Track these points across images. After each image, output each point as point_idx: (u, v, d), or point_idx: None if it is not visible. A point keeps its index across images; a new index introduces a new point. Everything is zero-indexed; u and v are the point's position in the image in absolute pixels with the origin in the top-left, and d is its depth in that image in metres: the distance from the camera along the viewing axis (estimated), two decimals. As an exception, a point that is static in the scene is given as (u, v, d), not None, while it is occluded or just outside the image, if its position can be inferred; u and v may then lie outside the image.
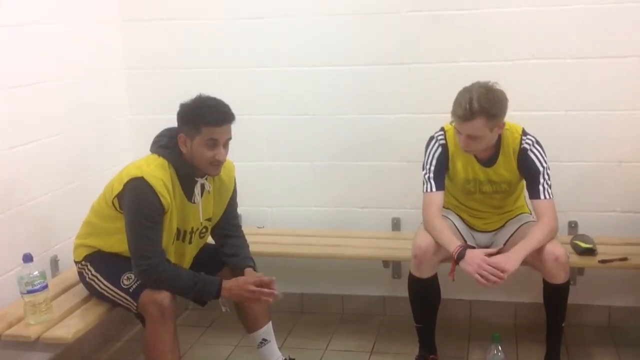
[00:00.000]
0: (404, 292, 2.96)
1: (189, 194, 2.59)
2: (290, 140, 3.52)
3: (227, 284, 2.55)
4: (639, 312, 3.21)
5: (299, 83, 3.44)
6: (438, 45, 3.26)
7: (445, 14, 3.23)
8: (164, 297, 2.46)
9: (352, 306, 3.62)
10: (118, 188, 2.50)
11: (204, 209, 2.65)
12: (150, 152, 2.59)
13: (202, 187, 2.62)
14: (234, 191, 2.78)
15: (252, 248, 2.88)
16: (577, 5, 3.10)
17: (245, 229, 2.94)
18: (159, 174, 2.47)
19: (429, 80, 3.28)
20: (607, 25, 3.09)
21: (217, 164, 2.53)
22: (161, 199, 2.45)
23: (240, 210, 3.32)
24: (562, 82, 3.18)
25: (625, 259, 2.93)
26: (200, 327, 3.49)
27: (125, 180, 2.48)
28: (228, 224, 2.80)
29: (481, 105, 2.61)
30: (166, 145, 2.55)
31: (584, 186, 3.25)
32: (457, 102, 2.67)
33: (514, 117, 2.81)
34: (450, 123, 2.75)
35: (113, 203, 2.54)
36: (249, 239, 2.91)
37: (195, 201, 2.61)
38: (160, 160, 2.52)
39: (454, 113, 2.68)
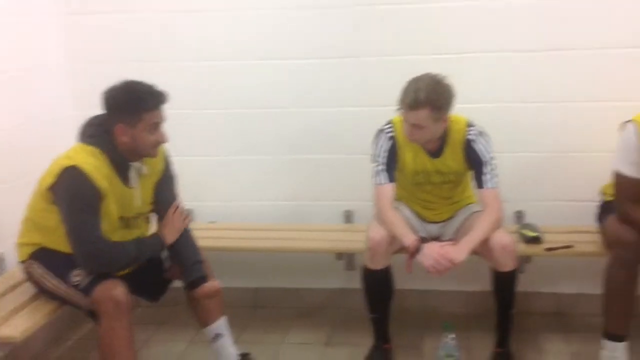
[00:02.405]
0: (358, 284, 2.99)
1: (125, 179, 2.57)
2: (241, 134, 3.51)
3: (163, 229, 2.67)
4: (585, 298, 3.30)
5: (249, 77, 3.43)
6: (386, 38, 3.29)
7: (391, 7, 3.25)
8: (119, 292, 2.44)
9: (307, 299, 3.63)
10: (51, 180, 2.45)
11: (143, 192, 2.64)
12: (78, 143, 2.55)
13: (138, 171, 2.60)
14: (167, 168, 2.75)
15: (204, 243, 2.86)
16: (519, 1, 3.16)
17: (196, 224, 2.92)
18: (91, 161, 2.45)
19: (377, 73, 3.32)
20: (552, 18, 3.16)
21: (160, 145, 2.57)
22: (97, 184, 2.43)
23: (191, 205, 3.33)
24: (508, 75, 3.24)
25: (570, 247, 3.01)
26: (153, 324, 3.45)
27: (57, 172, 2.43)
28: (166, 205, 2.74)
29: (428, 96, 2.65)
30: (94, 134, 2.53)
31: (530, 176, 3.33)
32: (405, 91, 2.71)
33: (462, 109, 2.85)
34: (397, 110, 2.78)
35: (48, 197, 2.49)
36: (201, 234, 2.90)
37: (133, 185, 2.59)
38: (90, 149, 2.49)
39: (401, 101, 2.72)
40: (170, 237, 2.67)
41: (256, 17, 3.37)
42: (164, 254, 2.74)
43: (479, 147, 2.84)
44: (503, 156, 3.05)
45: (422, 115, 2.68)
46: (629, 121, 2.74)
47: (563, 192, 3.32)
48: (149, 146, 2.52)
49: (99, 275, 2.48)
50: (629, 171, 2.72)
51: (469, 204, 3.06)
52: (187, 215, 2.77)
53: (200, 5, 3.39)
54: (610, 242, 2.81)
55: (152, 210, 2.74)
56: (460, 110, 2.85)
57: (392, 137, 2.89)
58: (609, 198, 2.93)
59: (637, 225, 2.70)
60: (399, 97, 2.72)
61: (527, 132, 3.29)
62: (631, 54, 3.13)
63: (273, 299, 3.65)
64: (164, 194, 2.74)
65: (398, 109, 2.76)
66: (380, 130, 2.92)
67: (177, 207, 2.72)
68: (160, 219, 2.74)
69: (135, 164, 2.58)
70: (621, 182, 2.77)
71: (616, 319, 2.76)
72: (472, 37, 3.23)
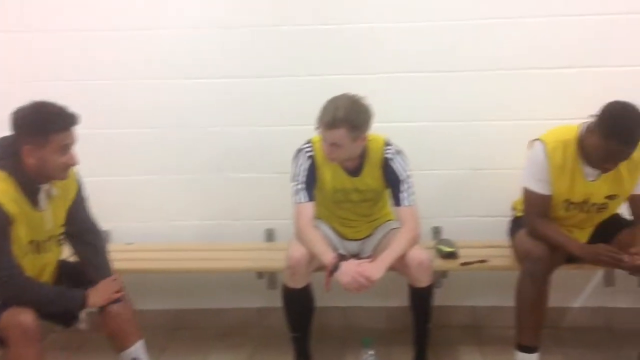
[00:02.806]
0: (280, 303, 2.98)
1: (34, 202, 2.49)
2: (159, 153, 3.47)
3: (92, 289, 2.54)
4: (500, 310, 3.38)
5: (168, 95, 3.40)
6: (309, 58, 3.33)
7: (313, 28, 3.30)
8: (27, 317, 2.35)
9: (228, 320, 3.60)
10: None
11: (54, 215, 2.57)
12: None
13: (47, 193, 2.53)
14: (80, 190, 2.68)
15: (122, 265, 2.82)
16: (438, 22, 3.26)
17: (114, 245, 2.86)
18: None
19: (299, 92, 3.35)
20: (466, 39, 3.27)
21: (69, 168, 2.50)
22: (5, 208, 2.34)
23: (108, 226, 3.25)
24: (424, 95, 3.33)
25: (484, 261, 3.11)
26: (68, 350, 3.34)
27: None
28: (81, 228, 2.69)
29: (346, 115, 2.70)
30: (1, 156, 2.45)
31: (446, 193, 3.42)
32: (324, 110, 2.74)
33: (380, 128, 2.91)
34: (316, 129, 2.81)
35: None
36: (118, 255, 2.84)
37: (43, 208, 2.52)
38: None
39: (320, 120, 2.75)
40: (96, 302, 2.55)
41: (176, 36, 3.36)
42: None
43: (397, 165, 2.89)
44: (420, 174, 3.13)
45: (340, 134, 2.72)
46: (537, 139, 2.86)
47: (477, 208, 3.42)
48: (59, 168, 2.46)
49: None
50: (537, 188, 2.84)
51: (388, 221, 3.12)
52: (122, 289, 2.64)
53: (116, 25, 3.35)
54: (520, 256, 2.91)
55: (64, 233, 2.66)
56: (378, 129, 2.90)
57: (311, 156, 2.91)
58: (520, 213, 3.04)
59: (546, 239, 2.82)
60: (318, 116, 2.76)
61: (443, 151, 3.38)
62: (537, 74, 3.27)
63: (193, 321, 3.60)
64: (78, 216, 2.67)
65: (317, 128, 2.79)
66: (300, 150, 2.94)
67: (116, 279, 2.63)
68: (73, 240, 2.67)
69: (45, 186, 2.51)
70: (530, 198, 2.88)
71: (527, 331, 2.85)
72: (390, 58, 3.31)
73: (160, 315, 3.56)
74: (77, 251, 2.72)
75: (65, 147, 2.44)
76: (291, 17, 3.31)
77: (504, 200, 3.20)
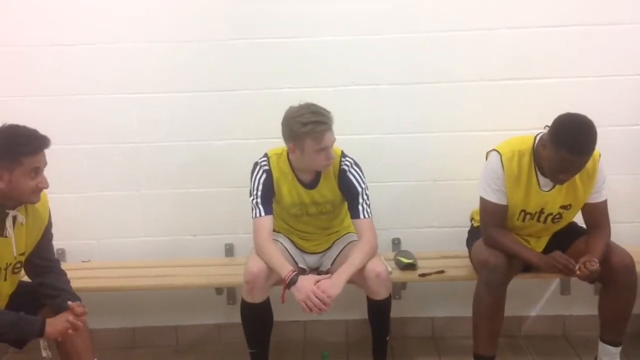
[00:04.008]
0: (240, 318, 2.95)
1: (0, 228, 2.43)
2: (114, 170, 3.42)
3: (50, 320, 2.45)
4: (459, 320, 3.40)
5: (121, 111, 3.36)
6: (263, 71, 3.32)
7: (268, 41, 3.30)
8: None
9: (186, 336, 3.55)
10: None
11: (17, 243, 2.49)
12: None
13: (14, 219, 2.47)
14: (49, 221, 2.63)
15: (78, 284, 2.75)
16: (393, 35, 3.28)
17: (69, 264, 2.80)
18: None
19: (254, 106, 3.34)
20: (421, 53, 3.30)
21: (40, 191, 2.45)
22: None
23: (64, 244, 3.20)
24: (380, 107, 3.35)
25: (442, 272, 3.13)
26: (22, 372, 3.26)
27: None
28: (43, 258, 2.62)
29: (331, 118, 2.76)
30: None
31: (405, 204, 3.43)
32: (309, 116, 2.74)
33: (337, 141, 2.90)
34: (299, 140, 2.77)
35: None
36: (73, 274, 2.78)
37: (8, 235, 2.45)
38: None
39: (312, 127, 2.72)
40: (52, 334, 2.45)
41: (129, 51, 3.32)
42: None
43: (353, 177, 2.90)
44: (379, 185, 3.15)
45: (333, 135, 2.79)
46: (493, 150, 2.89)
47: (436, 219, 3.45)
48: (29, 192, 2.40)
49: None
50: (493, 197, 2.87)
51: (347, 233, 3.11)
52: (82, 322, 2.52)
53: (66, 40, 3.30)
54: (477, 266, 2.94)
55: (25, 261, 2.59)
56: (339, 142, 2.91)
57: (267, 170, 2.90)
58: (477, 223, 3.07)
59: (502, 249, 2.85)
60: (302, 125, 2.72)
61: (400, 163, 3.40)
62: (491, 86, 3.31)
63: (151, 338, 3.54)
64: (44, 253, 2.61)
65: (301, 138, 2.75)
66: (256, 164, 2.93)
67: (83, 312, 2.52)
68: (31, 274, 2.61)
69: (12, 212, 2.45)
70: (486, 208, 2.91)
71: (485, 340, 2.87)
72: (344, 71, 3.32)
73: (116, 334, 3.50)
74: (39, 282, 2.62)
75: (36, 170, 2.40)
76: (244, 30, 3.30)
77: (462, 211, 3.23)
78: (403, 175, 3.41)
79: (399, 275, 3.13)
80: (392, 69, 3.32)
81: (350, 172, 2.90)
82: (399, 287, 3.27)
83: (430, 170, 3.40)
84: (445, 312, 3.53)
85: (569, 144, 2.59)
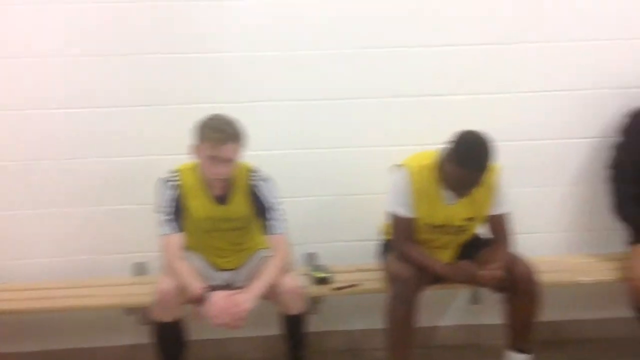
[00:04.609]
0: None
1: None
2: (15, 188, 3.30)
3: None
4: (374, 333, 3.42)
5: (32, 126, 3.25)
6: (180, 87, 3.28)
7: (174, 56, 3.25)
8: None
9: (101, 358, 3.47)
10: None
11: None
12: None
13: None
14: None
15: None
16: (300, 52, 3.29)
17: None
18: None
19: (159, 122, 3.28)
20: (329, 69, 3.31)
21: None
22: None
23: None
24: (293, 123, 3.35)
25: (355, 285, 3.16)
26: None
27: None
28: None
29: (236, 130, 2.75)
30: None
31: (318, 219, 3.45)
32: (210, 127, 2.74)
33: (250, 156, 2.92)
34: (195, 150, 2.78)
35: None
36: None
37: None
38: None
39: (208, 138, 2.72)
40: None
41: (42, 65, 3.21)
42: None
43: (263, 192, 2.91)
44: (292, 200, 3.16)
45: (234, 148, 2.76)
46: (399, 164, 2.96)
47: (349, 232, 3.47)
48: None
49: None
50: (401, 211, 2.94)
51: (260, 249, 3.10)
52: None
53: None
54: (389, 279, 2.99)
55: None
56: (250, 157, 2.92)
57: (176, 186, 2.87)
58: (387, 237, 3.12)
59: (412, 261, 2.91)
60: (203, 135, 2.74)
61: (313, 177, 3.41)
62: (396, 102, 3.36)
63: (65, 361, 3.44)
64: None
65: (201, 140, 2.75)
66: (164, 180, 2.90)
67: None
68: None
69: None
70: (396, 222, 2.97)
71: (398, 352, 2.92)
72: (252, 87, 3.30)
73: (27, 357, 3.39)
74: None
75: None
76: (162, 45, 3.24)
77: (373, 224, 3.28)
78: (313, 190, 3.43)
79: (312, 289, 3.15)
80: (299, 85, 3.33)
81: (260, 187, 2.91)
82: (313, 302, 3.29)
83: (338, 185, 3.42)
84: (361, 324, 3.56)
85: (463, 159, 2.69)
